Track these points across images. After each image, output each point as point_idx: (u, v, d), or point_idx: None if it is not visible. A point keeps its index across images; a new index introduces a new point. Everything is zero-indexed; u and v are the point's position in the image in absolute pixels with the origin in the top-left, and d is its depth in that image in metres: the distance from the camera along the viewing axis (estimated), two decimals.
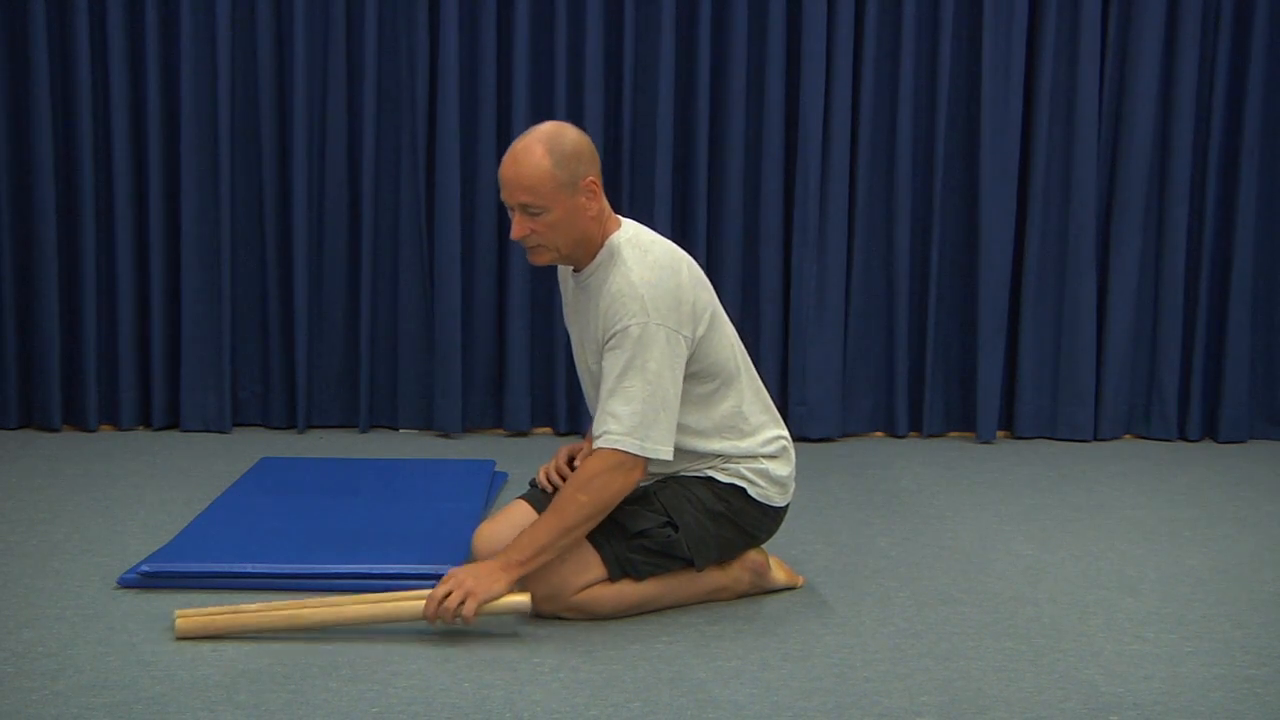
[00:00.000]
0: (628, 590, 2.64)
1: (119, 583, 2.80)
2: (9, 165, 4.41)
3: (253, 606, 2.55)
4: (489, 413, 4.62)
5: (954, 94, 4.53)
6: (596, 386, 2.65)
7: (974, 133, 4.52)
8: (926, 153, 4.55)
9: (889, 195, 4.55)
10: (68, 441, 4.33)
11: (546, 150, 2.55)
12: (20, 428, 4.50)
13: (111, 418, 4.54)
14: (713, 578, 2.75)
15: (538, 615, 2.63)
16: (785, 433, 2.80)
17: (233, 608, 2.55)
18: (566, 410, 4.57)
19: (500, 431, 4.62)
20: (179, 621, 2.51)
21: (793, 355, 4.52)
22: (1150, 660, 2.49)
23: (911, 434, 4.68)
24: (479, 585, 2.47)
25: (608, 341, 2.57)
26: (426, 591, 2.52)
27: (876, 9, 4.48)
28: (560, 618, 2.62)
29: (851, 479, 3.98)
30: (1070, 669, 2.44)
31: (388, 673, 2.35)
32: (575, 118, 4.46)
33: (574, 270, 2.73)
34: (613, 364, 2.55)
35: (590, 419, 2.73)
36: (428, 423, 4.58)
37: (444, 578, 2.52)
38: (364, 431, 4.55)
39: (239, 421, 4.59)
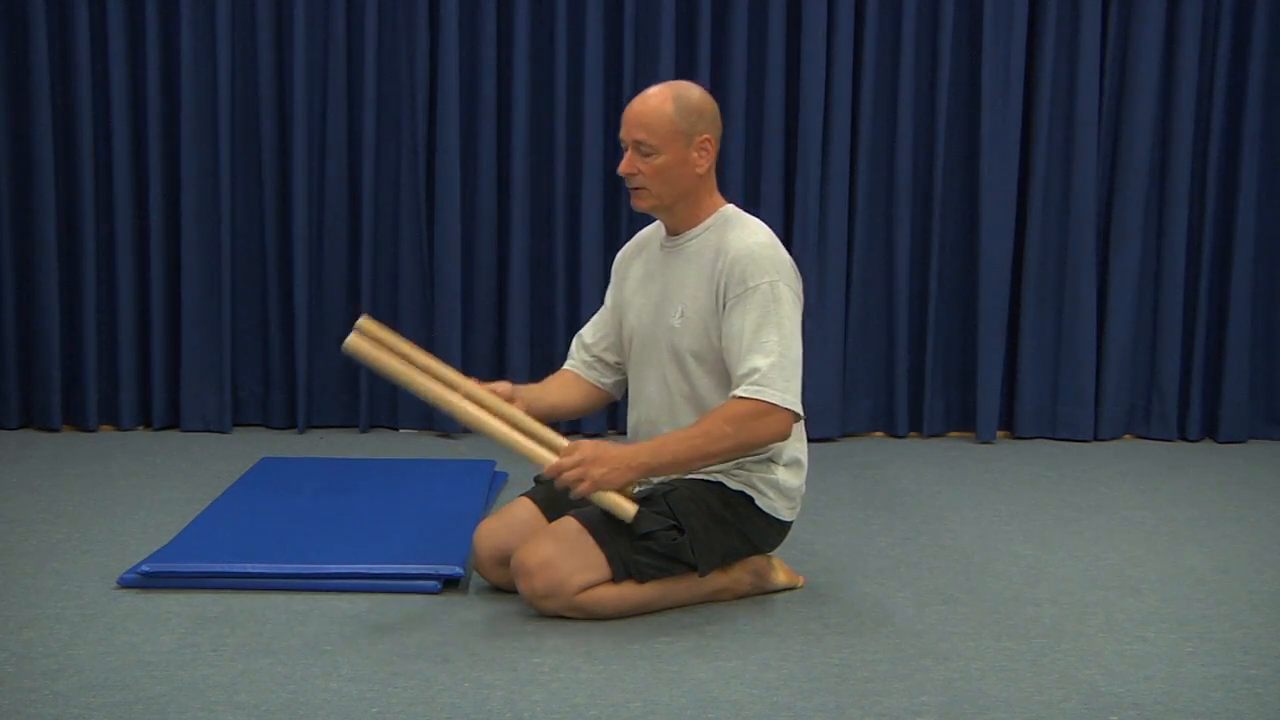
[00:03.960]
0: (630, 592, 2.64)
1: (119, 583, 2.80)
2: (9, 165, 4.41)
3: (421, 363, 2.67)
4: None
5: (954, 94, 4.53)
6: (672, 348, 2.72)
7: (974, 133, 4.52)
8: (926, 153, 4.55)
9: (889, 195, 4.55)
10: (68, 441, 4.33)
11: (672, 96, 2.67)
12: (20, 428, 4.50)
13: (111, 418, 4.54)
14: (714, 580, 2.74)
15: (539, 615, 2.63)
16: (804, 448, 2.82)
17: (405, 356, 2.67)
18: None
19: None
20: (354, 337, 2.67)
21: None
22: (1150, 660, 2.49)
23: (911, 434, 4.68)
24: (601, 475, 2.54)
25: (730, 298, 2.64)
26: (562, 444, 2.59)
27: (876, 9, 4.48)
28: (561, 617, 2.62)
29: (851, 479, 3.98)
30: (1070, 669, 2.43)
31: (388, 673, 2.35)
32: (575, 118, 4.47)
33: (668, 233, 2.80)
34: (742, 320, 2.62)
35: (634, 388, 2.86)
36: (428, 423, 4.57)
37: (573, 446, 2.58)
38: (364, 431, 4.55)
39: (239, 421, 4.59)
